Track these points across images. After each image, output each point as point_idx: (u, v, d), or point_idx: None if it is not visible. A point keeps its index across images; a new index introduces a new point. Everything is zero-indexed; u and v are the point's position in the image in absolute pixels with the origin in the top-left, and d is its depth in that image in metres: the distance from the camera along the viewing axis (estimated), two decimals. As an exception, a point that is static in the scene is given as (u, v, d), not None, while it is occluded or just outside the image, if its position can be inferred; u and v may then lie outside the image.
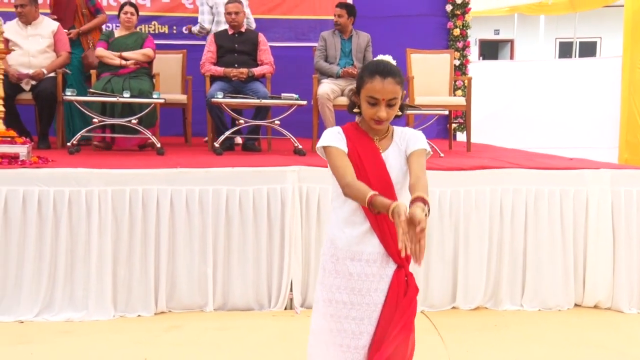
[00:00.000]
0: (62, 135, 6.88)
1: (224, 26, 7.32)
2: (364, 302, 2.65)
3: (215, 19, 7.63)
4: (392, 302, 2.64)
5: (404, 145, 2.70)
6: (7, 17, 7.42)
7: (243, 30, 7.08)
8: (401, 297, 2.64)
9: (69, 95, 6.25)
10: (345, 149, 2.64)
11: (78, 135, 6.40)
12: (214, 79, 6.90)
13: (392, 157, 2.69)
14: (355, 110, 2.71)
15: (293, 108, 6.45)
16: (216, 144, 6.45)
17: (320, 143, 2.69)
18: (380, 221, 2.61)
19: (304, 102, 6.47)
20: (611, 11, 15.39)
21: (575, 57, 15.90)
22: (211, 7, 7.63)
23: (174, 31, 8.48)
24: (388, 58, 2.72)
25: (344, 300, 2.66)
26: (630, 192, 5.43)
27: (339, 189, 2.63)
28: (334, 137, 2.67)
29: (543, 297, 5.39)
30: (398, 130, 2.75)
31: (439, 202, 5.29)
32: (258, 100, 6.56)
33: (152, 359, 4.26)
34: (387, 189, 2.61)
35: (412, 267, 2.70)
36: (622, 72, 9.73)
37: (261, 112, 6.76)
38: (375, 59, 2.77)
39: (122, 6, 7.10)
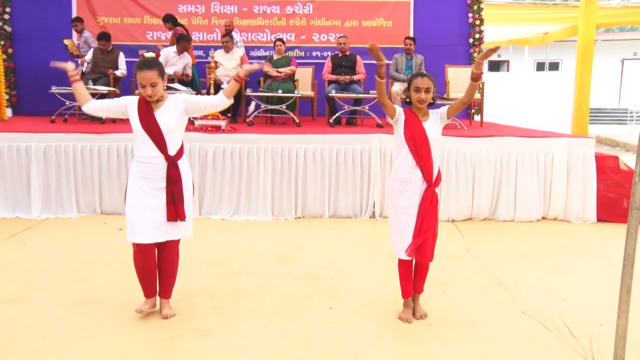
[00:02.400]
0: (243, 115, 6.80)
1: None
2: (409, 205, 2.63)
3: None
4: (424, 205, 2.62)
5: (437, 115, 2.69)
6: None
7: (347, 53, 6.73)
8: (428, 204, 2.61)
9: (248, 92, 6.15)
10: (402, 116, 2.66)
11: (252, 115, 6.33)
12: (330, 82, 6.62)
13: (430, 125, 2.65)
14: (408, 100, 2.69)
15: (376, 99, 6.10)
16: (331, 121, 6.22)
17: None
18: (421, 160, 2.60)
19: (383, 96, 6.13)
20: (569, 43, 14.76)
21: (546, 71, 15.05)
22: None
23: (308, 55, 8.18)
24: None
25: (400, 204, 2.65)
26: (579, 152, 5.09)
27: (397, 143, 2.68)
28: (399, 109, 2.69)
29: (524, 213, 5.05)
30: (430, 111, 2.73)
31: (463, 156, 4.99)
32: (356, 95, 6.31)
33: (294, 244, 4.19)
34: (424, 144, 2.61)
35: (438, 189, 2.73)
36: (575, 80, 9.10)
37: (358, 102, 6.47)
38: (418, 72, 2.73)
39: (275, 41, 6.87)
